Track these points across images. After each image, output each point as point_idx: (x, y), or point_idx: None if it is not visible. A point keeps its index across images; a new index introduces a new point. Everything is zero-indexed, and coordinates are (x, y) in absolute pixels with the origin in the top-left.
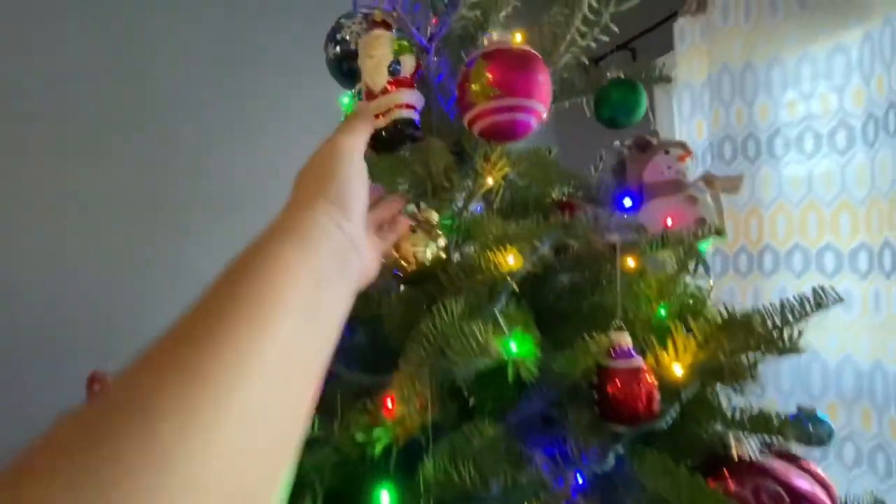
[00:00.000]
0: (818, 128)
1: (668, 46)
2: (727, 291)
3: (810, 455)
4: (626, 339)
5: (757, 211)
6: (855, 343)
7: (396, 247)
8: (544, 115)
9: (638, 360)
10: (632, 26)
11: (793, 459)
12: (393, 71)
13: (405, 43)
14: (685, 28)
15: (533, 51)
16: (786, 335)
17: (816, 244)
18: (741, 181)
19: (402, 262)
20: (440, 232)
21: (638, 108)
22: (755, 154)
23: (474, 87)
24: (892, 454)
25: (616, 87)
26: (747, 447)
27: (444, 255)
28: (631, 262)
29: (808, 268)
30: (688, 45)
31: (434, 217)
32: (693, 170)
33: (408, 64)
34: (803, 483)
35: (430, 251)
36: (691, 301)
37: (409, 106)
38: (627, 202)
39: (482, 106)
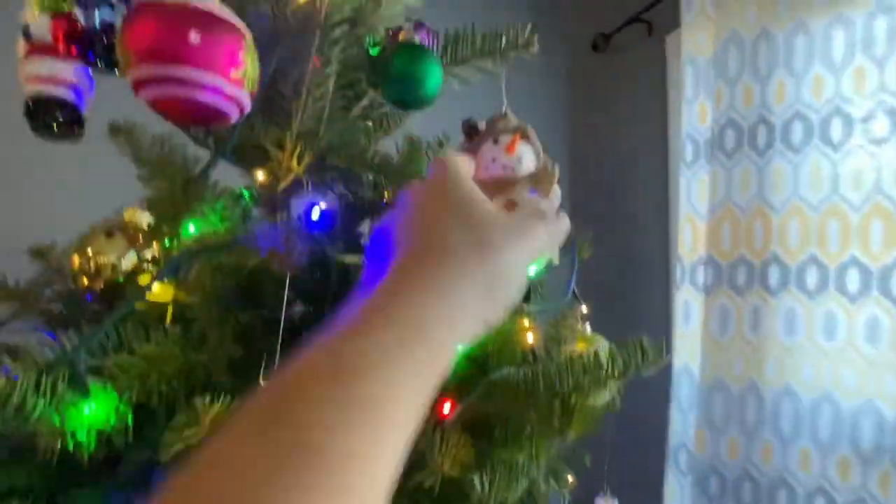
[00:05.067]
0: (850, 111)
1: None
2: (718, 311)
3: None
4: None
5: (762, 213)
6: (878, 385)
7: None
8: None
9: None
10: None
11: None
12: None
13: None
14: None
15: None
16: None
17: (838, 258)
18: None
19: None
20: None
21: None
22: (766, 143)
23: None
24: None
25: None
26: None
27: None
28: None
29: (825, 287)
30: (695, 14)
31: None
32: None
33: None
34: None
35: None
36: None
37: None
38: None
39: None
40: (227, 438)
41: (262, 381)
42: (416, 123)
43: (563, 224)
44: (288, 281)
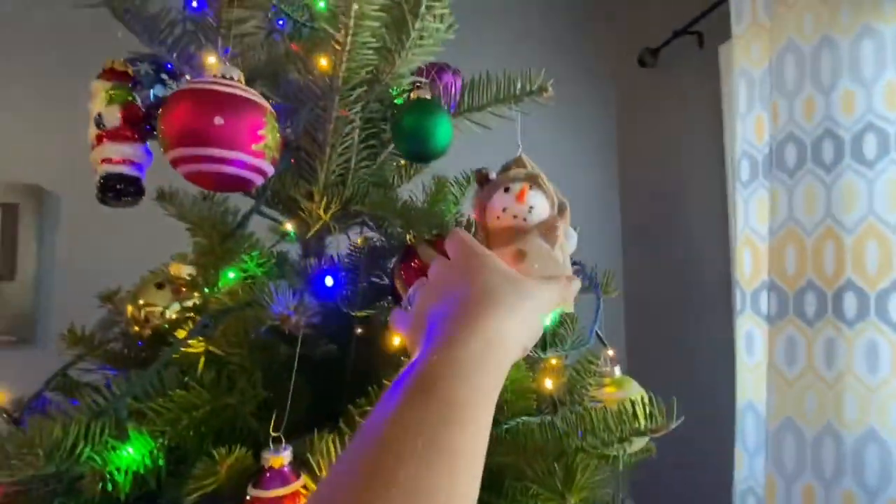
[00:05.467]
0: None
1: None
2: (785, 342)
3: None
4: None
5: (833, 234)
6: None
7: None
8: None
9: None
10: (694, 5)
11: None
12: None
13: None
14: (743, 2)
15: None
16: None
17: None
18: (555, 225)
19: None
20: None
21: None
22: (834, 158)
23: None
24: None
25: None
26: None
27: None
28: None
29: None
30: (747, 24)
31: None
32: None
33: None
34: None
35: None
36: None
37: None
38: None
39: None
40: (380, 411)
41: (271, 431)
42: (454, 157)
43: (575, 286)
44: (301, 336)
